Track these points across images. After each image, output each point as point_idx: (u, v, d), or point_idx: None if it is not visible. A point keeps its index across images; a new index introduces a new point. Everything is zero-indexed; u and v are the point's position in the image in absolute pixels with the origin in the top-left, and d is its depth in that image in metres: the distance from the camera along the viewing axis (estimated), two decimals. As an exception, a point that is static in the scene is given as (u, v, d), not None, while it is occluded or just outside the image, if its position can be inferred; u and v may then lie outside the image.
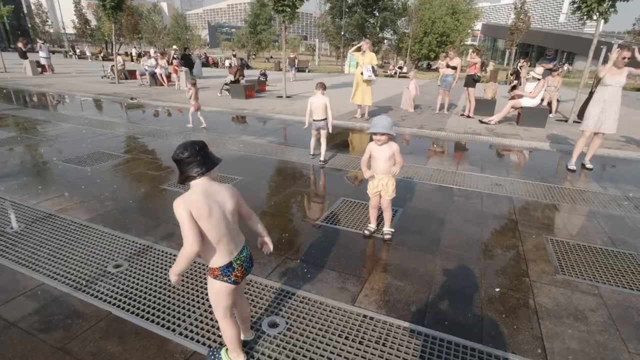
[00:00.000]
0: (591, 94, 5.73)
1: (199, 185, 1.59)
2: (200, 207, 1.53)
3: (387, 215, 3.40)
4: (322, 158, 5.60)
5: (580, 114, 5.84)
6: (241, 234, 1.77)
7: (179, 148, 1.58)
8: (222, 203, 1.63)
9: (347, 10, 38.56)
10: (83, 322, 2.25)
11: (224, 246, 1.63)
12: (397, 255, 3.18)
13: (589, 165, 5.72)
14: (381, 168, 3.19)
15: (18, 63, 18.95)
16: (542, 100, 9.48)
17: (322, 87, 5.33)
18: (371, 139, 3.18)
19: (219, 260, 1.65)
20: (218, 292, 1.72)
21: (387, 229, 3.42)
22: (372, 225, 3.50)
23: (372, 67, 8.53)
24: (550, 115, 9.83)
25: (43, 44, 19.71)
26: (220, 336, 2.15)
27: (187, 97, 7.68)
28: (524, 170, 5.77)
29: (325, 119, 5.33)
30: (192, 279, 2.69)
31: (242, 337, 2.06)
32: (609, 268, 3.03)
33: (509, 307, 2.52)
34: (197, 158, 1.57)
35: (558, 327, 2.35)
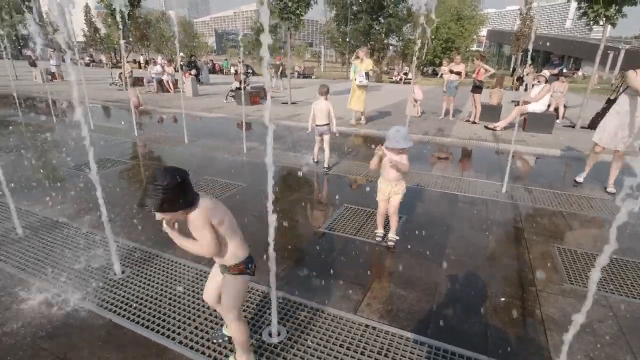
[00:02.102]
0: (609, 101, 5.06)
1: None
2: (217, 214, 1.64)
3: (394, 221, 3.36)
4: (325, 165, 5.59)
5: (593, 124, 5.12)
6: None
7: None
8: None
9: (353, 17, 38.78)
10: (84, 330, 2.24)
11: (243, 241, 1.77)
12: (400, 263, 3.14)
13: (611, 189, 4.89)
14: (393, 175, 3.17)
15: (28, 70, 19.32)
16: (549, 106, 9.40)
17: (326, 92, 5.33)
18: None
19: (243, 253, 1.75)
20: (243, 289, 1.83)
21: (392, 235, 3.39)
22: (381, 231, 3.47)
23: (366, 73, 8.73)
24: (557, 121, 9.74)
25: (53, 52, 20.09)
26: (222, 343, 2.13)
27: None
28: (530, 177, 5.70)
29: (328, 124, 5.33)
30: (191, 288, 2.67)
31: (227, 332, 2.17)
32: (618, 278, 2.96)
33: (514, 317, 2.47)
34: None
35: (565, 339, 2.29)
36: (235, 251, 1.71)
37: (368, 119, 9.82)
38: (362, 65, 8.76)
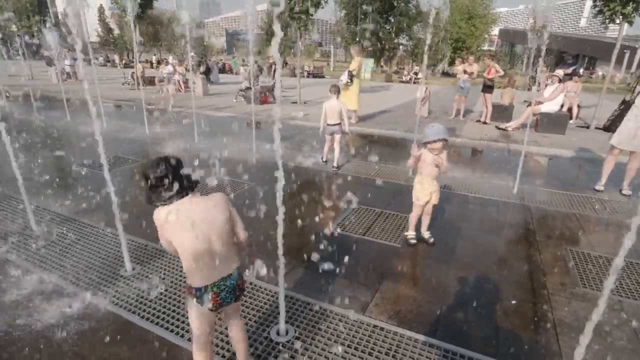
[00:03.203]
0: (624, 102, 4.84)
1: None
2: None
3: (429, 220, 3.41)
4: (334, 164, 5.58)
5: (611, 127, 4.89)
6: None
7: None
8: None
9: (363, 16, 38.63)
10: (95, 325, 2.28)
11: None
12: (410, 264, 3.12)
13: (626, 192, 4.82)
14: (434, 174, 3.19)
15: (44, 70, 19.71)
16: (562, 106, 9.23)
17: (337, 91, 5.34)
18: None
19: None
20: (193, 313, 1.62)
21: (428, 233, 3.42)
22: (413, 233, 3.43)
23: (348, 72, 8.81)
24: (571, 121, 9.56)
25: (68, 52, 20.48)
26: (227, 343, 2.14)
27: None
28: (542, 178, 5.60)
29: (339, 123, 5.33)
30: (202, 284, 2.69)
31: None
32: (633, 282, 2.89)
33: (525, 321, 2.43)
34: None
35: (578, 344, 2.24)
36: (185, 270, 1.53)
37: (375, 118, 9.79)
38: (352, 64, 8.95)
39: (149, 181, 1.42)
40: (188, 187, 1.48)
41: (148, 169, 1.42)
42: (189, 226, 1.44)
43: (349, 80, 8.77)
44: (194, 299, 1.55)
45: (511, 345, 2.22)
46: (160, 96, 10.62)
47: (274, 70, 17.21)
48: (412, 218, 3.40)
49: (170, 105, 11.30)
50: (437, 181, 3.25)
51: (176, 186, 1.44)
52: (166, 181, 1.42)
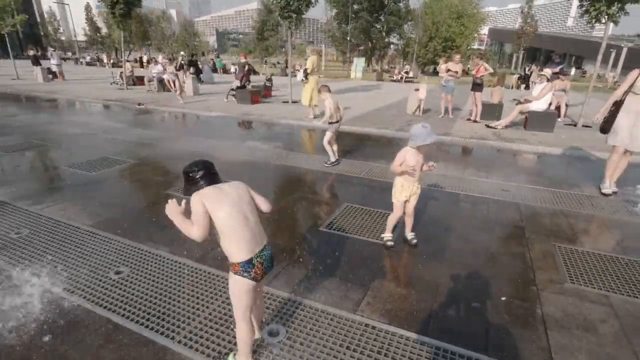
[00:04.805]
0: (615, 102, 4.85)
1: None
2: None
3: (412, 221, 3.35)
4: (326, 161, 5.61)
5: (607, 126, 4.87)
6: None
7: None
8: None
9: (353, 15, 38.71)
10: (82, 329, 2.24)
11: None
12: (401, 263, 3.13)
13: (613, 188, 4.87)
14: (418, 175, 3.12)
15: (30, 70, 19.31)
16: (550, 104, 9.36)
17: (328, 89, 5.41)
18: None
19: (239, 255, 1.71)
20: (240, 290, 1.76)
21: (412, 234, 3.36)
22: (390, 235, 3.38)
23: (304, 70, 9.80)
24: (559, 119, 9.71)
25: (54, 51, 20.10)
26: (221, 343, 2.12)
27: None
28: (531, 176, 5.67)
29: (338, 121, 5.42)
30: (192, 286, 2.66)
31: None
32: (620, 277, 2.94)
33: (515, 317, 2.46)
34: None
35: (566, 339, 2.28)
36: (228, 249, 1.70)
37: (367, 117, 9.84)
38: (307, 62, 9.54)
39: (190, 174, 1.71)
40: (218, 177, 1.76)
41: (187, 166, 1.73)
42: (226, 201, 1.67)
43: (304, 78, 9.44)
44: (242, 274, 1.71)
45: (501, 342, 2.24)
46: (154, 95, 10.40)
47: (248, 70, 17.00)
48: (392, 220, 3.32)
49: (183, 100, 12.08)
50: (418, 183, 3.19)
51: (209, 174, 1.72)
52: (203, 171, 1.70)
